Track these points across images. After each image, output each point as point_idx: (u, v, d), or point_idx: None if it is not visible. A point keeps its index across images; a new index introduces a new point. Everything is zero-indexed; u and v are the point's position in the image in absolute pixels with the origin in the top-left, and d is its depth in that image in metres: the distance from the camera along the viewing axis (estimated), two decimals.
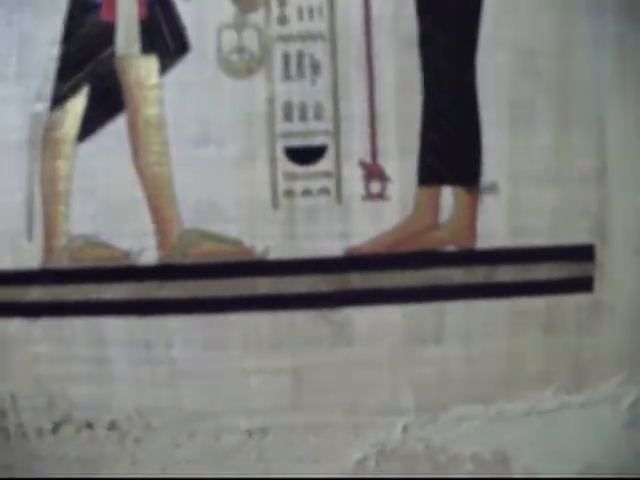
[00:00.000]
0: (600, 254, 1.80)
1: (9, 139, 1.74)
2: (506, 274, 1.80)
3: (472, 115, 1.79)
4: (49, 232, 1.77)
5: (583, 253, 1.80)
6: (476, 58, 1.77)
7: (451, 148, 1.79)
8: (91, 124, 1.73)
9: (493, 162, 1.78)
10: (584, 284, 1.80)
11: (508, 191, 1.78)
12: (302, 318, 1.79)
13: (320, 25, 1.74)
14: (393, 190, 1.77)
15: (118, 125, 1.73)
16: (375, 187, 1.78)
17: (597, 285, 1.81)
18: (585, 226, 1.79)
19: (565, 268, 1.80)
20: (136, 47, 1.74)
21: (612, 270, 1.81)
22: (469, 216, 1.78)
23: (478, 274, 1.80)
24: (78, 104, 1.74)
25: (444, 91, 1.77)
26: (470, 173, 1.80)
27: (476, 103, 1.78)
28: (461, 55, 1.79)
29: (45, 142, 1.74)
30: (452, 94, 1.78)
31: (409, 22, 1.75)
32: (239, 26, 1.74)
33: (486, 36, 1.78)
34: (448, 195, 1.80)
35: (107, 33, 1.74)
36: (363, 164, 1.77)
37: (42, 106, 1.74)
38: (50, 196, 1.75)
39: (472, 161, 1.80)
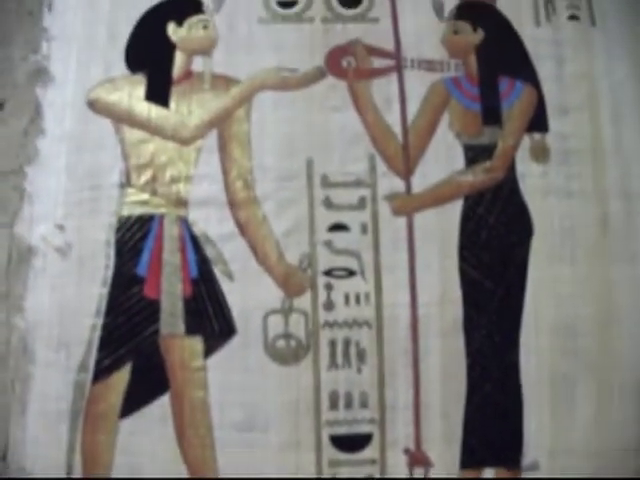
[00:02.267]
0: None
1: (50, 408, 1.64)
2: None
3: (516, 397, 1.66)
4: None
5: None
6: (519, 339, 1.67)
7: (494, 432, 1.66)
8: (134, 401, 1.62)
9: (535, 442, 1.66)
10: None
11: (548, 465, 1.66)
12: None
13: (367, 312, 1.63)
14: (436, 474, 1.64)
15: (162, 403, 1.62)
16: (419, 472, 1.65)
17: None
18: None
19: None
20: (181, 327, 1.63)
21: None
22: None
23: None
24: (121, 379, 1.63)
25: (489, 375, 1.66)
26: (512, 455, 1.66)
27: (519, 385, 1.66)
28: (505, 337, 1.67)
29: (86, 414, 1.63)
30: (496, 377, 1.67)
31: (454, 307, 1.64)
32: (285, 311, 1.63)
33: (528, 317, 1.68)
34: (489, 473, 1.68)
35: (151, 309, 1.64)
36: (408, 452, 1.63)
37: (84, 377, 1.64)
38: (90, 471, 1.63)
39: (514, 444, 1.66)
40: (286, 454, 1.64)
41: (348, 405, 1.64)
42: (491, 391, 1.65)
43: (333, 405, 1.63)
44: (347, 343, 1.64)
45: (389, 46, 1.75)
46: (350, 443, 1.64)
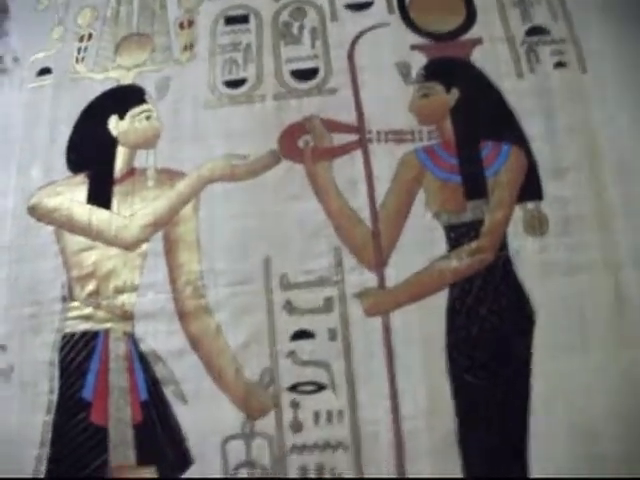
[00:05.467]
0: None
1: None
2: None
3: None
4: None
5: None
6: (528, 450, 1.29)
7: None
8: None
9: None
10: None
11: None
12: None
13: (341, 432, 1.29)
14: None
15: None
16: None
17: None
18: None
19: None
20: (131, 456, 1.34)
21: None
22: None
23: None
24: None
25: None
26: None
27: None
28: (511, 451, 1.26)
29: None
30: None
31: (446, 419, 1.28)
32: (247, 435, 1.31)
33: (537, 422, 1.28)
34: None
35: (99, 437, 1.35)
36: None
37: None
38: None
39: None
40: None
41: None
42: None
43: None
44: (320, 469, 1.30)
45: (351, 119, 1.44)
46: None
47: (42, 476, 1.41)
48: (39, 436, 1.41)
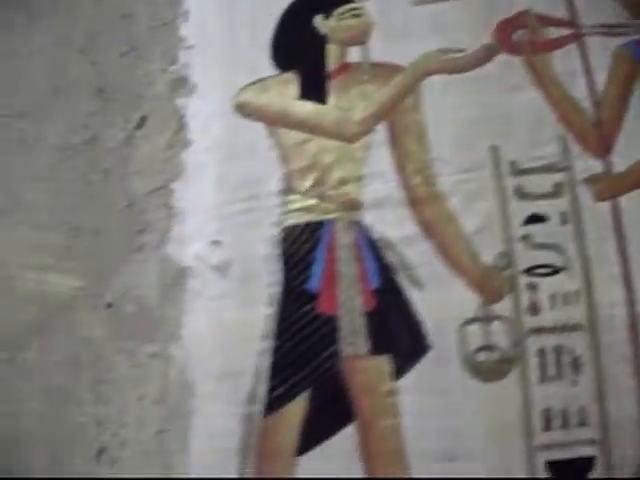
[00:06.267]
0: None
1: (215, 445, 1.35)
2: None
3: None
4: None
5: None
6: None
7: None
8: (313, 434, 1.31)
9: None
10: None
11: None
12: None
13: (578, 313, 1.28)
14: None
15: (346, 435, 1.30)
16: None
17: None
18: None
19: None
20: (364, 346, 1.32)
21: None
22: None
23: None
24: (297, 410, 1.32)
25: None
26: None
27: None
28: None
29: (258, 451, 1.33)
30: None
31: None
32: (484, 319, 1.30)
33: None
34: None
35: (328, 327, 1.34)
36: None
37: (254, 409, 1.34)
38: None
39: None
40: None
41: (564, 424, 1.29)
42: None
43: (547, 425, 1.28)
44: (559, 351, 1.29)
45: (562, 13, 1.42)
46: (569, 469, 1.29)
47: (266, 369, 1.39)
48: (261, 330, 1.40)
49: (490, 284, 1.32)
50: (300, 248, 1.39)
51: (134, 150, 1.53)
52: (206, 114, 1.49)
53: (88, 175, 1.55)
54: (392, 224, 1.37)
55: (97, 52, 1.61)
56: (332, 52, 1.47)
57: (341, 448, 1.32)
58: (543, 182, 1.37)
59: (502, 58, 1.45)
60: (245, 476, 1.37)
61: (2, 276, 1.58)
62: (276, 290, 1.38)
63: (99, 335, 1.49)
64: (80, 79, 1.62)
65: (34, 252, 1.58)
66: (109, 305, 1.48)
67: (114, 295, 1.47)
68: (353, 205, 1.39)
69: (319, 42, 1.48)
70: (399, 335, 1.33)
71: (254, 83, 1.47)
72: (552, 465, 1.31)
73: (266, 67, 1.49)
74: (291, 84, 1.46)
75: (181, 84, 1.53)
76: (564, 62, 1.43)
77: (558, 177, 1.37)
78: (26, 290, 1.56)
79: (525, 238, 1.35)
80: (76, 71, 1.62)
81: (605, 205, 1.36)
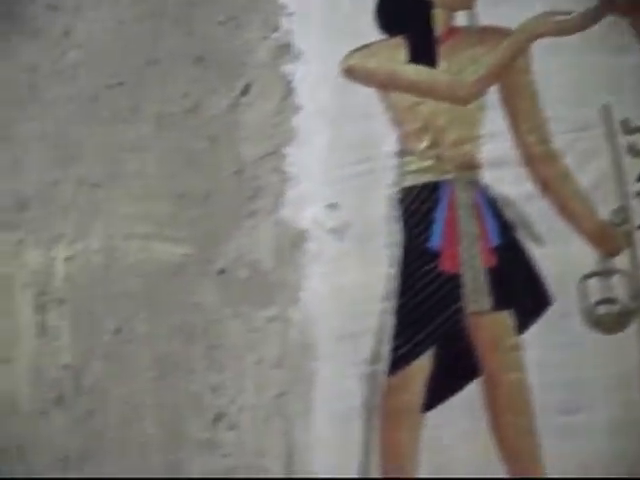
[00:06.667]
0: None
1: (338, 406, 1.37)
2: None
3: None
4: None
5: None
6: None
7: None
8: (439, 391, 1.33)
9: None
10: None
11: None
12: None
13: None
14: None
15: (471, 391, 1.34)
16: None
17: None
18: None
19: None
20: (487, 302, 1.34)
21: None
22: None
23: None
24: (422, 367, 1.34)
25: None
26: None
27: None
28: None
29: (383, 410, 1.36)
30: None
31: None
32: (604, 272, 1.33)
33: None
34: None
35: (450, 285, 1.35)
36: None
37: (377, 369, 1.37)
38: (392, 472, 1.37)
39: None
40: (616, 437, 1.32)
41: None
42: None
43: None
44: None
45: None
46: None
47: (389, 328, 1.41)
48: (382, 290, 1.42)
49: (608, 239, 1.35)
50: (419, 208, 1.40)
51: (240, 117, 1.52)
52: (314, 79, 1.48)
53: (192, 143, 1.55)
54: (510, 183, 1.39)
55: (193, 22, 1.60)
56: (438, 17, 1.48)
57: (467, 404, 1.35)
58: None
59: (609, 20, 1.49)
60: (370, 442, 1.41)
61: (106, 247, 1.59)
62: (396, 250, 1.39)
63: (211, 301, 1.49)
64: (176, 49, 1.60)
65: (138, 222, 1.57)
66: (221, 271, 1.49)
67: (226, 261, 1.48)
68: (470, 165, 1.41)
69: (425, 7, 1.49)
70: (521, 290, 1.36)
71: (360, 48, 1.48)
72: None
73: (370, 32, 1.49)
74: (399, 49, 1.47)
75: (285, 51, 1.53)
76: None
77: None
78: (131, 260, 1.57)
79: None
80: (172, 41, 1.60)
81: None
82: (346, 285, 1.40)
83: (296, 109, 1.49)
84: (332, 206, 1.43)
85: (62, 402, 1.57)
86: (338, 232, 1.42)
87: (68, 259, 1.62)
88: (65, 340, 1.58)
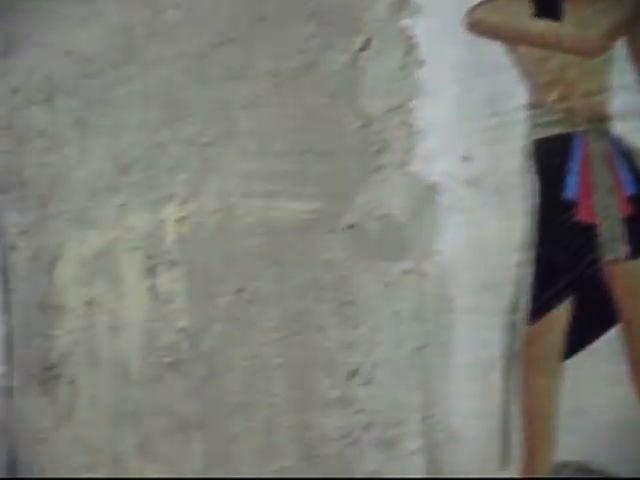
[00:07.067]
0: None
1: (477, 356, 1.38)
2: None
3: None
4: (529, 459, 1.39)
5: None
6: None
7: None
8: (579, 338, 1.35)
9: None
10: None
11: None
12: None
13: None
14: None
15: (611, 338, 1.34)
16: None
17: None
18: None
19: None
20: (623, 250, 1.35)
21: None
22: None
23: None
24: (561, 316, 1.35)
25: None
26: None
27: None
28: None
29: (524, 358, 1.38)
30: None
31: None
32: None
33: None
34: None
35: (587, 235, 1.36)
36: None
37: (517, 318, 1.37)
38: (533, 420, 1.37)
39: None
40: None
41: None
42: None
43: None
44: None
45: None
46: None
47: (527, 278, 1.41)
48: (519, 241, 1.40)
49: None
50: (553, 160, 1.40)
51: (361, 72, 1.52)
52: (436, 34, 1.49)
53: (311, 99, 1.54)
54: None
55: None
56: None
57: (606, 351, 1.36)
58: None
59: None
60: (510, 390, 1.40)
61: (224, 206, 1.55)
62: (532, 201, 1.39)
63: (341, 257, 1.48)
64: (288, 5, 1.59)
65: (257, 180, 1.55)
66: (351, 226, 1.48)
67: (355, 216, 1.47)
68: (601, 117, 1.41)
69: None
70: None
71: (484, 2, 1.48)
72: None
73: None
74: (524, 3, 1.49)
75: (403, 5, 1.52)
76: None
77: None
78: (252, 219, 1.54)
79: None
80: None
81: None
82: (483, 236, 1.41)
83: (420, 63, 1.49)
84: (466, 158, 1.45)
85: (178, 367, 1.56)
86: (473, 184, 1.44)
87: (179, 220, 1.60)
88: (179, 303, 1.56)
